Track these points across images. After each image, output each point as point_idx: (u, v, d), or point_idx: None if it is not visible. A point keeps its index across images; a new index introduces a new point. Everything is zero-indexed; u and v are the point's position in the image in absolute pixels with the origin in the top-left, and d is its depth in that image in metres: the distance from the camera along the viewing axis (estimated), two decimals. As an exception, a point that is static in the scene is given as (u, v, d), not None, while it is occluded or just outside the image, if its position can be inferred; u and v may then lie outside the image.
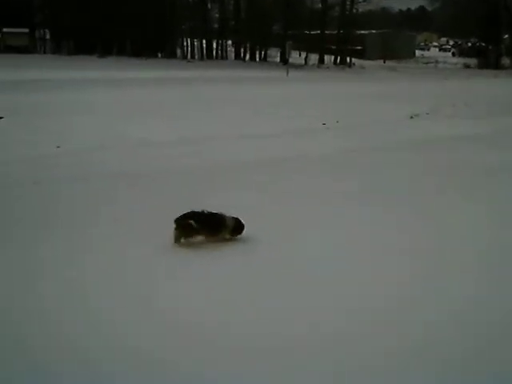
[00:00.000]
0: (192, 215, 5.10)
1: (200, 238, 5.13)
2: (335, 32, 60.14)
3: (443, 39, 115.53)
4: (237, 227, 5.26)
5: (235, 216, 5.26)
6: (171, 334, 3.47)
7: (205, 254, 4.95)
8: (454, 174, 8.20)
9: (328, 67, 52.08)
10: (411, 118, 19.55)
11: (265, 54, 60.81)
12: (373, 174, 8.21)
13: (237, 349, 3.28)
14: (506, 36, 59.57)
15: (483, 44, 61.91)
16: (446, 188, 7.27)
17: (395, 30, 77.29)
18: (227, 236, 5.23)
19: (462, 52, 79.16)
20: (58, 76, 29.22)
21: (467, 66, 57.68)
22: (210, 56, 62.79)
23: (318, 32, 58.87)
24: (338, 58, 59.66)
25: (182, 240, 5.11)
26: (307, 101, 21.64)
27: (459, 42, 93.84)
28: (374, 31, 75.67)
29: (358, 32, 69.13)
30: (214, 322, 3.64)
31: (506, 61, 57.55)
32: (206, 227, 5.13)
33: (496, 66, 55.96)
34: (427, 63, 67.74)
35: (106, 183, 7.79)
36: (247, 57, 61.10)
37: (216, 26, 64.36)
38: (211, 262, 4.77)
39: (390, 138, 13.68)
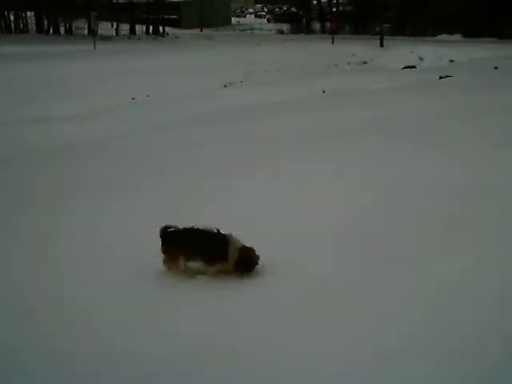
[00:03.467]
0: (180, 234, 4.09)
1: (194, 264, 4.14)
2: (145, 1, 58.70)
3: (258, 6, 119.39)
4: (243, 260, 3.99)
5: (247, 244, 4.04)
6: None
7: None
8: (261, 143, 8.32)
9: (140, 38, 50.76)
10: (225, 86, 19.81)
11: (70, 26, 57.33)
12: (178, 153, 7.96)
13: None
14: (315, 1, 63.28)
15: (295, 10, 65.14)
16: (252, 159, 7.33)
17: (210, -2, 77.82)
18: (229, 268, 4.03)
19: (276, 18, 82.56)
20: None
21: (281, 32, 60.35)
22: (7, 30, 57.55)
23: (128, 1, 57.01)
24: (151, 27, 58.44)
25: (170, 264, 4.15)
26: (116, 75, 20.76)
27: (273, 8, 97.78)
28: (189, -1, 75.51)
29: (172, 0, 68.36)
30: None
31: (316, 25, 61.23)
32: (197, 251, 4.06)
33: (307, 30, 59.37)
34: (243, 30, 69.53)
35: None
36: (51, 30, 57.06)
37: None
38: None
39: (201, 109, 13.64)
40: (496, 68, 19.39)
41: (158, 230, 4.17)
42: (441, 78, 17.30)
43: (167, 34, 56.23)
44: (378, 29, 40.91)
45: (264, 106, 13.26)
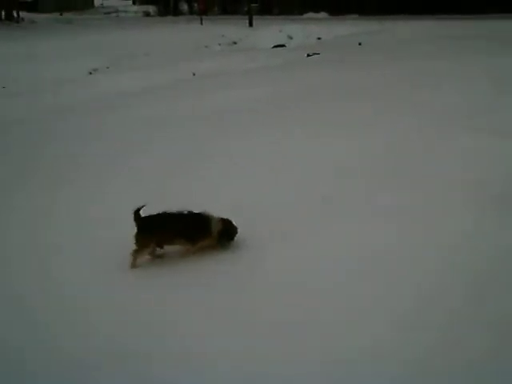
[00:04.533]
0: (158, 219, 4.15)
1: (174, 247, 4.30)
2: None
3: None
4: (226, 231, 4.30)
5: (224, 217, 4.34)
6: None
7: None
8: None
9: (-8, 24, 47.02)
10: (90, 73, 18.86)
11: None
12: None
13: None
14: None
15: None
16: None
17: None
18: (213, 243, 4.30)
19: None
20: None
21: (147, 14, 58.72)
22: None
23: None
24: (3, 12, 54.13)
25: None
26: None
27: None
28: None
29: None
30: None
31: (184, 6, 60.33)
32: (180, 234, 4.21)
33: (175, 12, 58.33)
34: (108, 13, 66.85)
35: None
36: None
37: None
38: None
39: (69, 97, 12.84)
40: (360, 44, 20.16)
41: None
42: (308, 55, 17.62)
43: (22, 19, 52.36)
44: (246, 9, 41.06)
45: (135, 92, 12.75)
